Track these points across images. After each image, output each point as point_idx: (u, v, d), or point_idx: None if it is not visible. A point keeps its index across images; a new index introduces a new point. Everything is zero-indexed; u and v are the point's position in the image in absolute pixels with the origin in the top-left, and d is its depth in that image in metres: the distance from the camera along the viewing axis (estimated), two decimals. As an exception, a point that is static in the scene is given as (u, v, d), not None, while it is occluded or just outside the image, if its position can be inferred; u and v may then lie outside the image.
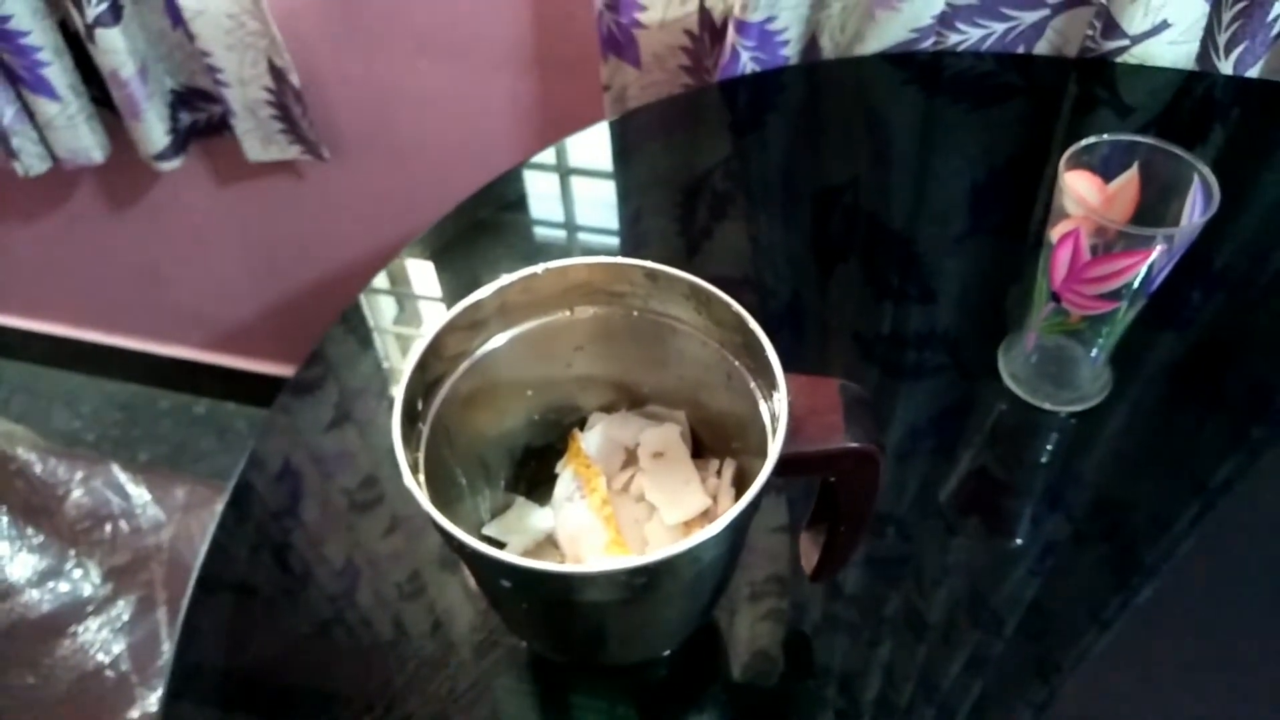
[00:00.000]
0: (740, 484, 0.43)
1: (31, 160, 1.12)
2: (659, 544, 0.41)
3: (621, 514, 0.42)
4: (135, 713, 0.73)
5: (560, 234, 0.73)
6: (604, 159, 0.77)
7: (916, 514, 0.53)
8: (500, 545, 0.44)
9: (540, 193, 0.74)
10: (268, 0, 0.96)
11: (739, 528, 0.34)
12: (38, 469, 0.85)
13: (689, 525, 0.42)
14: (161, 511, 0.81)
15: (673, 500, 0.42)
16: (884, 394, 0.59)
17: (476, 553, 0.33)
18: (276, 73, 1.02)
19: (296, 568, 0.52)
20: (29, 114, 1.09)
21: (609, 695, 0.47)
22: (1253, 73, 0.75)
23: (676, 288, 0.40)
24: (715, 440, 0.45)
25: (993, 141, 0.75)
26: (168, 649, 0.76)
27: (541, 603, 0.37)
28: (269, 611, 0.51)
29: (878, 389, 0.60)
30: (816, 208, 0.71)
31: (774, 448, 0.34)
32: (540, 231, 0.73)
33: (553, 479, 0.46)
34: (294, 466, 0.57)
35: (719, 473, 0.43)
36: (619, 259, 0.40)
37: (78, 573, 0.79)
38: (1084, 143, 0.49)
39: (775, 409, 0.37)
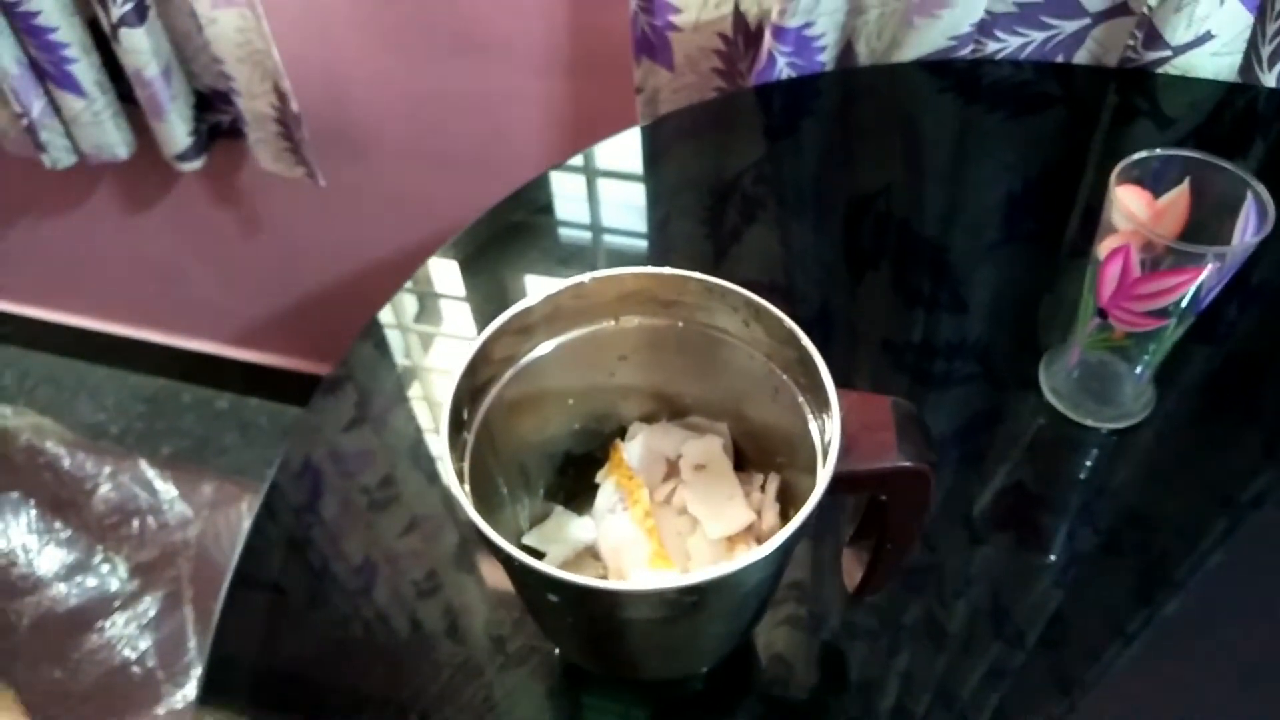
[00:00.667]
0: (784, 498, 0.42)
1: (59, 154, 1.13)
2: (701, 558, 0.41)
3: (663, 527, 0.42)
4: (161, 709, 0.73)
5: (592, 239, 0.72)
6: (637, 163, 0.77)
7: (951, 526, 0.52)
8: (539, 554, 0.44)
9: (573, 197, 0.74)
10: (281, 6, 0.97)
11: (789, 548, 0.33)
12: (66, 463, 0.85)
13: (732, 540, 0.41)
14: (189, 508, 0.81)
15: (716, 514, 0.41)
16: (913, 401, 0.58)
17: (525, 567, 0.32)
18: (280, 94, 1.02)
19: (329, 569, 0.52)
20: (56, 109, 1.10)
21: (644, 707, 0.46)
22: (1296, 85, 0.74)
23: (727, 300, 0.39)
24: (759, 453, 0.44)
25: (1029, 151, 0.74)
26: (194, 646, 0.76)
27: (587, 617, 0.37)
28: (302, 612, 0.51)
29: (908, 398, 0.59)
30: (849, 214, 0.71)
31: (827, 466, 0.34)
32: (573, 236, 0.72)
33: (591, 488, 0.45)
34: (319, 465, 0.57)
35: (763, 487, 0.43)
36: (669, 270, 0.40)
37: (105, 567, 0.80)
38: (1134, 157, 0.48)
39: (826, 426, 0.36)
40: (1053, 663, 0.47)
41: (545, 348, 0.41)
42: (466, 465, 0.38)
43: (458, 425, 0.37)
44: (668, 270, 0.40)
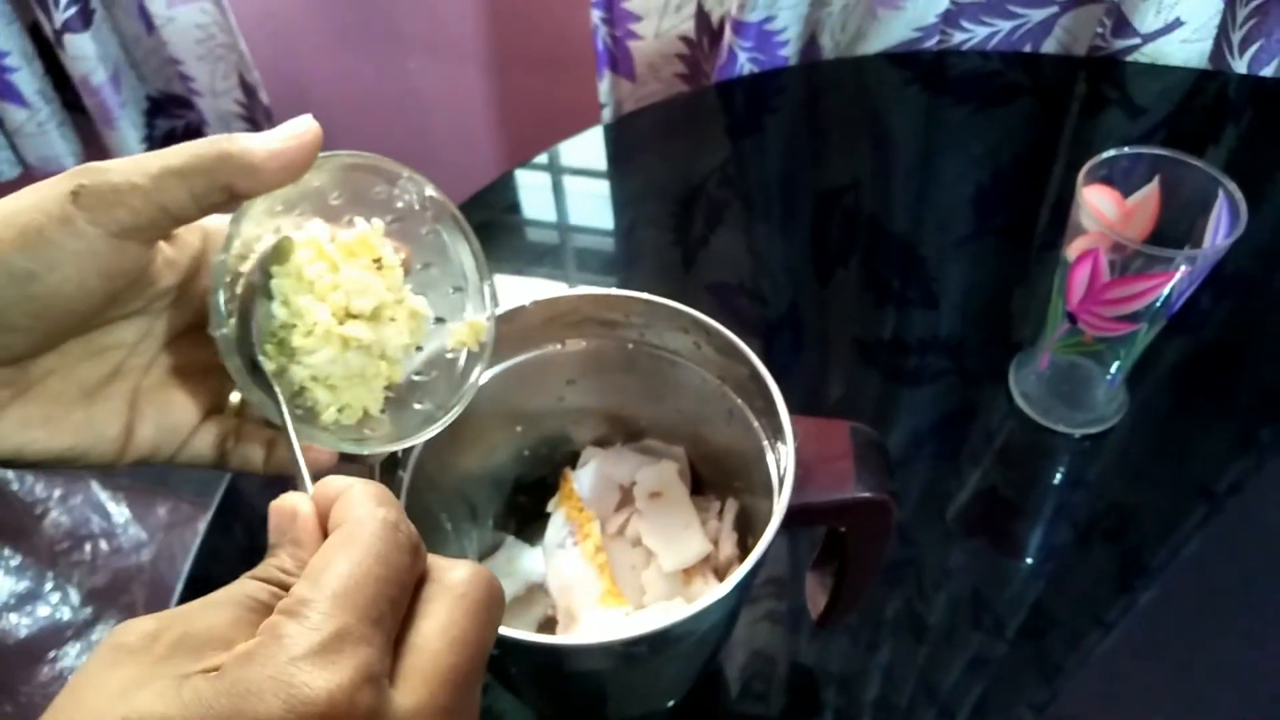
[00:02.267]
0: (743, 525, 0.40)
1: (2, 166, 1.09)
2: (656, 593, 0.39)
3: (617, 559, 0.40)
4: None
5: (556, 241, 0.70)
6: (600, 163, 0.75)
7: (925, 522, 0.51)
8: (489, 590, 0.41)
9: (535, 198, 0.72)
10: (242, 4, 0.93)
11: (746, 585, 0.31)
12: (14, 486, 0.82)
13: (689, 572, 0.39)
14: (143, 531, 0.79)
15: (672, 546, 0.39)
16: (885, 399, 0.57)
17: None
18: (247, 87, 0.99)
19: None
20: (-1, 120, 1.06)
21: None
22: (1268, 71, 0.73)
23: (676, 320, 0.37)
24: (716, 476, 0.42)
25: (998, 143, 0.72)
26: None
27: (534, 667, 0.35)
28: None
29: (879, 395, 0.58)
30: (816, 212, 0.69)
31: (780, 502, 0.32)
32: (539, 236, 0.70)
33: (545, 514, 0.43)
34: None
35: (720, 514, 0.41)
36: (614, 290, 0.38)
37: (56, 596, 0.77)
38: (1102, 156, 0.47)
39: (781, 455, 0.34)
40: (1028, 656, 0.46)
41: (486, 375, 0.39)
42: (402, 504, 0.36)
43: (391, 464, 0.35)
44: (614, 290, 0.38)
